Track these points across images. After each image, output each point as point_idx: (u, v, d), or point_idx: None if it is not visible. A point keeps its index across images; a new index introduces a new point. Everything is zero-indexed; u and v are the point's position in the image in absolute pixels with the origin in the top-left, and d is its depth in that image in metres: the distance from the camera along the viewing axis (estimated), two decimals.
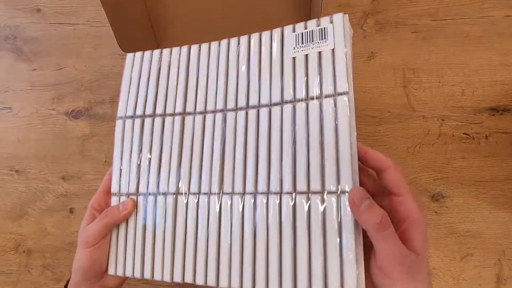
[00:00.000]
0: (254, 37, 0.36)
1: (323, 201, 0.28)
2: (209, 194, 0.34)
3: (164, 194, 0.35)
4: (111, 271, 0.36)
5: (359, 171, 0.28)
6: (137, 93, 0.39)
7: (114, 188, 0.38)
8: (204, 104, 0.36)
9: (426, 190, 0.59)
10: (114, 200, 0.38)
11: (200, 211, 0.34)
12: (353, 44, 0.61)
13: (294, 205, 0.29)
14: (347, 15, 0.34)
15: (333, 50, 0.32)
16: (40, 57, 0.66)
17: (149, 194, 0.36)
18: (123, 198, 0.37)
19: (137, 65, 0.40)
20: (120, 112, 0.40)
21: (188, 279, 0.33)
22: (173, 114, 0.37)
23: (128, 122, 0.39)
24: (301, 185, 0.29)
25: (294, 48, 0.33)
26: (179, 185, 0.35)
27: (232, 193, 0.33)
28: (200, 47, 0.39)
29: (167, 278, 0.34)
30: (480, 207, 0.59)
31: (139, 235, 0.36)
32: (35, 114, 0.65)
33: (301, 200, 0.29)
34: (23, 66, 0.66)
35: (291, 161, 0.30)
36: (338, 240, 0.27)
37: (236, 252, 0.31)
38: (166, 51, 0.39)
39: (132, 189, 0.37)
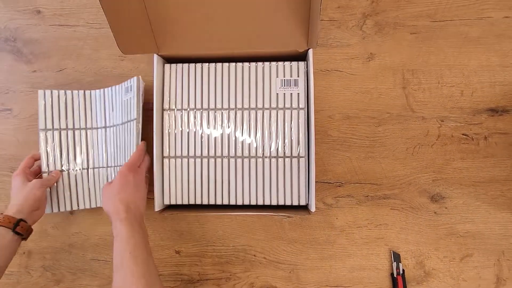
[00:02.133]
0: None
1: None
2: None
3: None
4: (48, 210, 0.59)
5: None
6: None
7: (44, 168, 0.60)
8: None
9: (426, 191, 0.60)
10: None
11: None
12: (352, 46, 0.61)
13: None
14: (139, 77, 0.55)
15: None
16: (40, 58, 0.66)
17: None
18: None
19: None
20: None
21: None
22: None
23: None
24: None
25: (125, 93, 0.57)
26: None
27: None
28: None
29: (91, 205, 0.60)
30: (479, 207, 0.59)
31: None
32: (35, 116, 0.65)
33: None
34: (23, 67, 0.66)
35: None
36: None
37: None
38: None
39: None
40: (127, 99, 0.57)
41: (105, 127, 0.61)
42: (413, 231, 0.59)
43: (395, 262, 0.58)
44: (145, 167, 0.55)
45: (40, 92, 0.60)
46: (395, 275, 0.58)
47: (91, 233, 0.63)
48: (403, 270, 0.58)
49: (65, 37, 0.66)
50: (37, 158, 0.61)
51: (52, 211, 0.60)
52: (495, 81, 0.60)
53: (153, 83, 0.54)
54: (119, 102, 0.59)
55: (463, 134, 0.60)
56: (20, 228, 0.52)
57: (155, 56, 0.53)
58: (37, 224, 0.64)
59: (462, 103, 0.60)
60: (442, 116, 0.60)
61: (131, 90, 0.56)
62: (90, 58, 0.65)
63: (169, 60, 0.56)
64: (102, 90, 0.61)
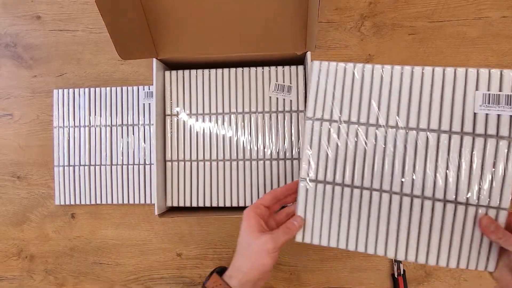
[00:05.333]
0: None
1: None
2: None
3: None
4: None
5: None
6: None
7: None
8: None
9: None
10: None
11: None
12: (350, 47, 0.61)
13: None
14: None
15: None
16: (40, 63, 0.66)
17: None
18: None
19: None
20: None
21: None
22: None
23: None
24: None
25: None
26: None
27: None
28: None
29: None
30: None
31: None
32: (36, 121, 0.66)
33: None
34: (23, 73, 0.67)
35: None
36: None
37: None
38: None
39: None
40: (144, 103, 0.62)
41: (111, 125, 0.63)
42: None
43: (396, 263, 0.59)
44: None
45: (55, 91, 0.64)
46: (396, 276, 0.58)
47: (92, 236, 0.64)
48: (404, 270, 0.59)
49: (65, 42, 0.66)
50: (280, 197, 0.44)
51: (60, 203, 0.62)
52: None
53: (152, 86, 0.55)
54: (135, 104, 0.62)
55: None
56: None
57: (154, 60, 0.53)
58: (39, 229, 0.64)
59: None
60: None
61: (151, 97, 0.61)
62: (90, 62, 0.66)
63: (168, 64, 0.56)
64: (115, 88, 0.63)
